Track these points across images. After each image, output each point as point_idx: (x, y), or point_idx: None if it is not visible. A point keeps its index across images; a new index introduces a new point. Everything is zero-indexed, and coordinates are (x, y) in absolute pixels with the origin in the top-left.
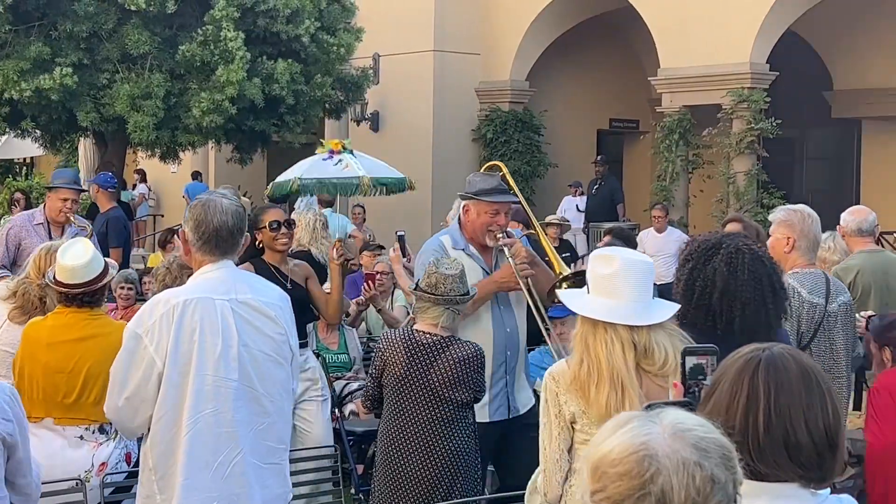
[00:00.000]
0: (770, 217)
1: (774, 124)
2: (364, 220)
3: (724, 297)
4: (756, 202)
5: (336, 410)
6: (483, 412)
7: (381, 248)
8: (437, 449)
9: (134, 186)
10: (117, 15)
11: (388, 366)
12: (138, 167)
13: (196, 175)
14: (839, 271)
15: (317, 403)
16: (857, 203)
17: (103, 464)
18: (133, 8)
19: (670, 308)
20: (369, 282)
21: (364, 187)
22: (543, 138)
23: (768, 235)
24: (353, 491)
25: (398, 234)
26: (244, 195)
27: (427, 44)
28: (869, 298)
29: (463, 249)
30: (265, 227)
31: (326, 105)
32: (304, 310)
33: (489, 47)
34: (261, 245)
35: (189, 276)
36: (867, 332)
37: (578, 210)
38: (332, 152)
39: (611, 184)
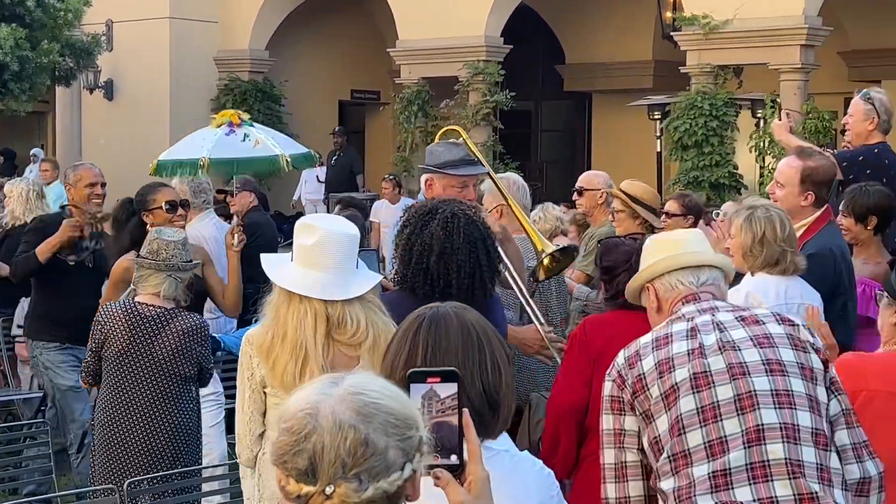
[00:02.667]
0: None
1: (509, 97)
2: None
3: (441, 260)
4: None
5: None
6: None
7: None
8: (161, 423)
9: None
10: None
11: (108, 339)
12: None
13: None
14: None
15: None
16: None
17: None
18: None
19: (370, 281)
20: None
21: (284, 166)
22: (285, 108)
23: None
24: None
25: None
26: None
27: (162, 10)
28: None
29: None
30: (159, 207)
31: (56, 72)
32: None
33: (227, 15)
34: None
35: None
36: None
37: (319, 181)
38: (231, 125)
39: (350, 154)
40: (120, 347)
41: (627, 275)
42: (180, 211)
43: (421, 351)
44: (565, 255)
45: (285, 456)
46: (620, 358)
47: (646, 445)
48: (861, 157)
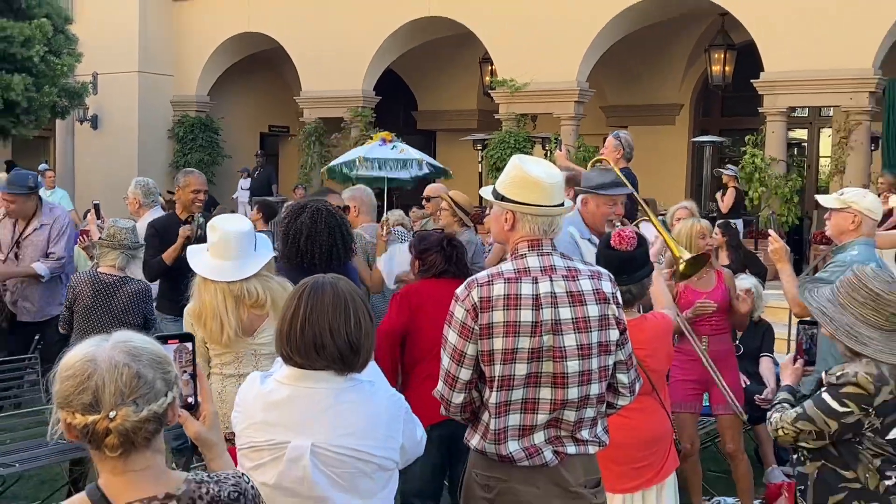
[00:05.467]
0: (343, 195)
1: (379, 132)
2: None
3: (308, 241)
4: (366, 184)
5: None
6: None
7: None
8: None
9: None
10: None
11: (78, 298)
12: None
13: None
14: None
15: None
16: None
17: None
18: None
19: (259, 262)
20: (84, 235)
21: (421, 166)
22: (221, 137)
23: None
24: None
25: (94, 202)
26: None
27: (133, 66)
28: None
29: (589, 240)
30: None
31: (55, 109)
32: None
33: (180, 70)
34: None
35: None
36: None
37: (243, 189)
38: (384, 141)
39: (268, 170)
40: (86, 304)
41: (438, 255)
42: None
43: (302, 309)
44: (698, 262)
45: (70, 397)
46: (475, 292)
47: (482, 349)
48: None
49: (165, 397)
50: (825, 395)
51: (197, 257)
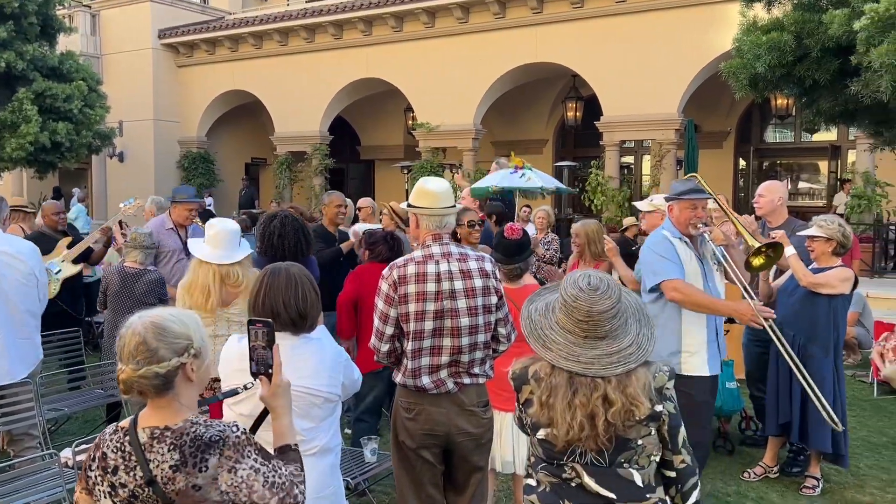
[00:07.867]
0: (359, 202)
1: (332, 162)
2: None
3: (279, 239)
4: (319, 198)
5: None
6: (704, 368)
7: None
8: None
9: None
10: None
11: (109, 285)
12: None
13: None
14: None
15: None
16: None
17: None
18: None
19: (241, 254)
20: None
21: (545, 193)
22: (215, 166)
23: (316, 214)
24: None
25: (119, 220)
26: (42, 199)
27: (149, 115)
28: None
29: (680, 238)
30: (464, 224)
31: (90, 147)
32: None
33: (184, 118)
34: (458, 235)
35: None
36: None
37: (208, 206)
38: (516, 167)
39: (251, 191)
40: (115, 289)
41: (383, 246)
42: (476, 227)
43: (263, 288)
44: (776, 250)
45: (116, 347)
46: (395, 272)
47: (401, 312)
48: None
49: (169, 362)
50: None
51: (197, 245)
